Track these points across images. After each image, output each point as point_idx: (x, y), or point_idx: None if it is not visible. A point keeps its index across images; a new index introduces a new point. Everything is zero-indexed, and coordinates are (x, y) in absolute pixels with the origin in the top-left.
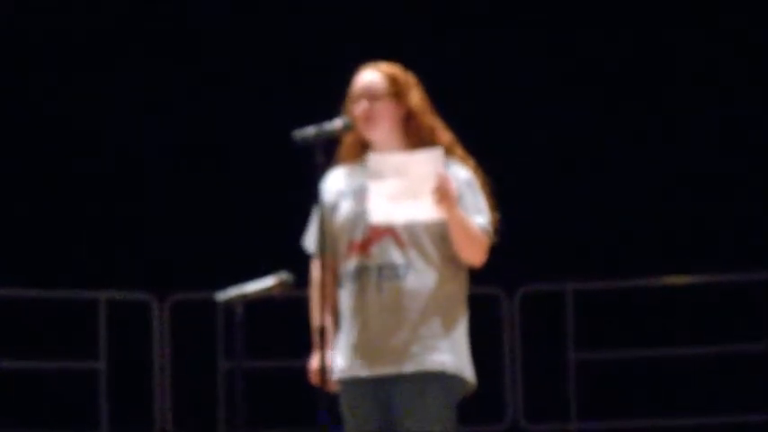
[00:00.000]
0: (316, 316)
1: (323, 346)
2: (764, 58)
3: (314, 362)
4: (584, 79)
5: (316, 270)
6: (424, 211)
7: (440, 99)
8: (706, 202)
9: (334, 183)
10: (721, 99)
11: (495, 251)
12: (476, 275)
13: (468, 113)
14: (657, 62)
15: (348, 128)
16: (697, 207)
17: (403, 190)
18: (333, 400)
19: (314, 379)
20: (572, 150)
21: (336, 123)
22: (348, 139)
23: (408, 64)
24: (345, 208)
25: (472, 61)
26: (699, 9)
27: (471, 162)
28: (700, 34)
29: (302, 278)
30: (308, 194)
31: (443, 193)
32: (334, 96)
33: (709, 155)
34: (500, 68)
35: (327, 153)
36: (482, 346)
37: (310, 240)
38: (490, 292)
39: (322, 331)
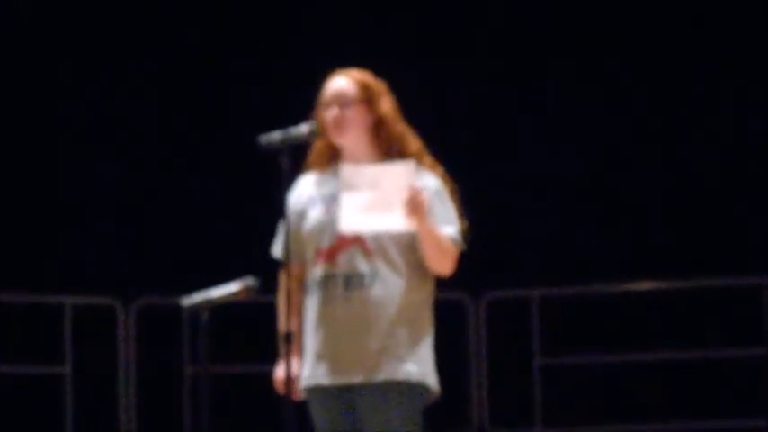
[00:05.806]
0: (282, 323)
1: (288, 355)
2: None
3: (279, 371)
4: (542, 90)
5: (283, 277)
6: (396, 223)
7: (403, 104)
8: (672, 208)
9: (304, 189)
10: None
11: (461, 256)
12: (442, 281)
13: (432, 119)
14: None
15: (314, 133)
16: (663, 212)
17: (376, 202)
18: (300, 407)
19: (279, 388)
20: (537, 156)
21: (303, 129)
22: (318, 145)
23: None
24: (314, 215)
25: (437, 73)
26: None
27: (440, 170)
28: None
29: (268, 283)
30: (274, 200)
31: (415, 206)
32: (300, 101)
33: (677, 160)
34: (455, 77)
35: (294, 158)
36: (448, 351)
37: (278, 247)
38: (456, 298)
39: (288, 339)
